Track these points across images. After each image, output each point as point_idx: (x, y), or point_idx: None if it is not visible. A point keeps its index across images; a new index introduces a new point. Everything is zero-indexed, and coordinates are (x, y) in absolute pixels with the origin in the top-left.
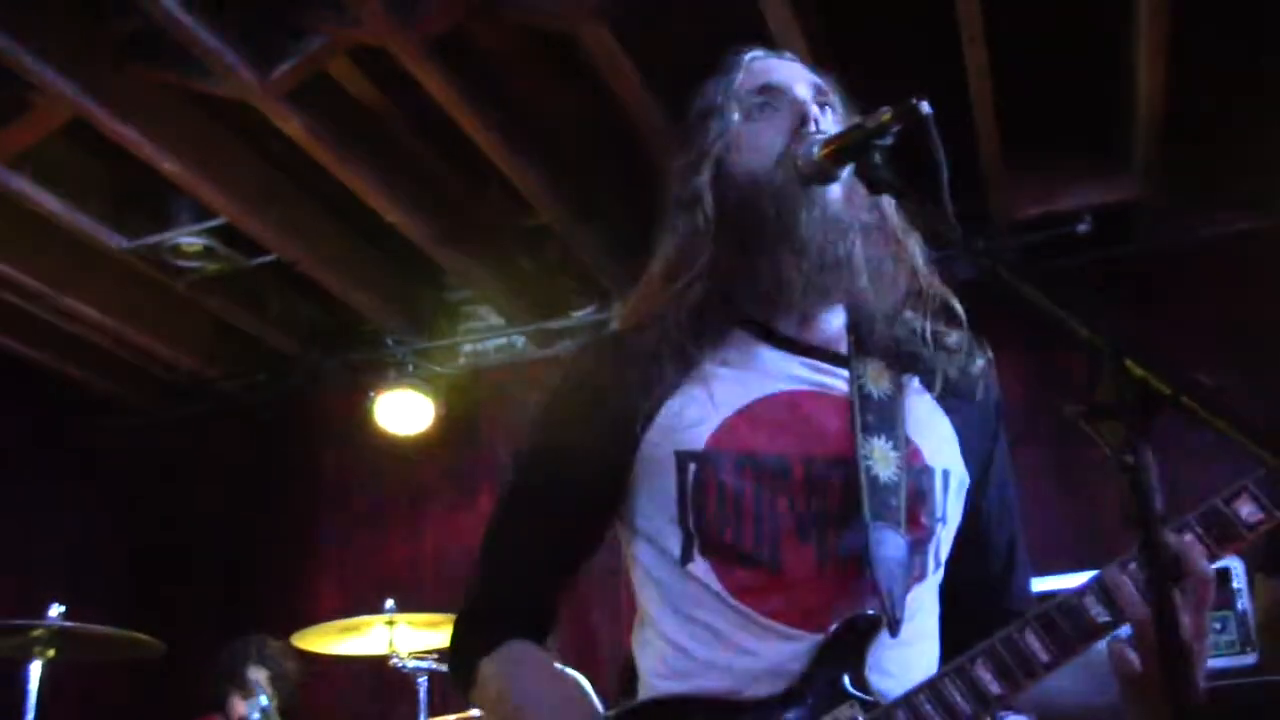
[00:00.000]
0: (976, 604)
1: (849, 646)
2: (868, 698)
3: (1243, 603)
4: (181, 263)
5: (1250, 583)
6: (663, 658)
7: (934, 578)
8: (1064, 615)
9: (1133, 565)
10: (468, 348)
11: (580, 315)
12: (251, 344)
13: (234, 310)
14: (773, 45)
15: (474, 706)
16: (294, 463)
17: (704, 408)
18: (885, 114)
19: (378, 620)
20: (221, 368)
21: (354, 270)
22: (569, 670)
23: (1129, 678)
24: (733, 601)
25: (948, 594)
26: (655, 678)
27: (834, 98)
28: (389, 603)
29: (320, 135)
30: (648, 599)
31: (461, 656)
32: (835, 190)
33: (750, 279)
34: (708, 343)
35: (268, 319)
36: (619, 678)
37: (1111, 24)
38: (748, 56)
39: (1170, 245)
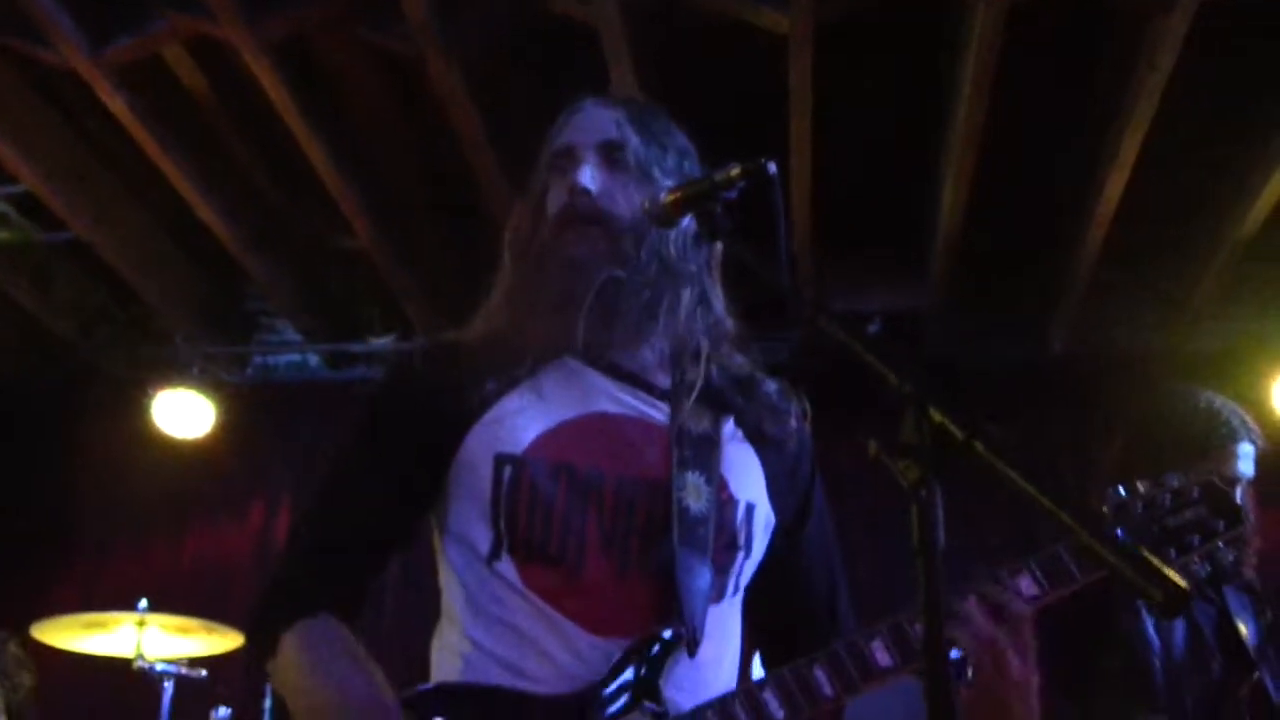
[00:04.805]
0: (806, 643)
1: (648, 659)
2: (658, 708)
3: None
4: None
5: None
6: (462, 655)
7: (731, 601)
8: (850, 654)
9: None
10: (258, 359)
11: (379, 343)
12: (30, 322)
13: (16, 282)
14: None
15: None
16: (61, 451)
17: (528, 416)
18: (734, 169)
19: (127, 619)
20: None
21: (152, 262)
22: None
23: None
24: (533, 598)
25: (777, 633)
26: (450, 675)
27: (630, 151)
28: (142, 602)
29: (143, 118)
30: (453, 599)
31: (263, 625)
32: (671, 235)
33: (575, 317)
34: (540, 363)
35: (52, 298)
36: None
37: (930, 141)
38: (567, 111)
39: (949, 360)
